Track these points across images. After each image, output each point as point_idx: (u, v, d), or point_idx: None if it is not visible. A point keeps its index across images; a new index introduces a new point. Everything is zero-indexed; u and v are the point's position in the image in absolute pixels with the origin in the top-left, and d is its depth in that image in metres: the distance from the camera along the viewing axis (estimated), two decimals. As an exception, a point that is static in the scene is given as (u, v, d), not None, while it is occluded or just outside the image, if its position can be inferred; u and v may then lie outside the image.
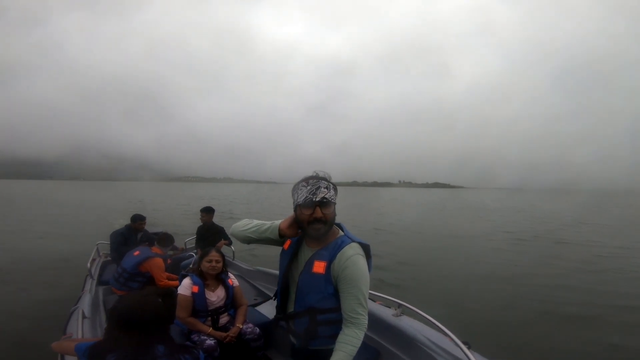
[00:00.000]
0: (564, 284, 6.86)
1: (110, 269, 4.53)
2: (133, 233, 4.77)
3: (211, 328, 2.53)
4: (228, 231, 3.67)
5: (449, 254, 10.27)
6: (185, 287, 2.56)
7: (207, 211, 5.12)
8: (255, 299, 3.53)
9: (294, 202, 1.54)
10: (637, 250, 10.69)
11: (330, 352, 1.43)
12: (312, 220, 1.48)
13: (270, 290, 3.78)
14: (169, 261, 4.32)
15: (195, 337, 2.47)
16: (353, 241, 1.54)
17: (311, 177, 1.52)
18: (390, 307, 2.50)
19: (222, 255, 2.73)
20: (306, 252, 1.59)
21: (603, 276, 7.59)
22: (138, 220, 4.80)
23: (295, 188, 1.54)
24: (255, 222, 1.67)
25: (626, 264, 8.73)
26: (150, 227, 5.24)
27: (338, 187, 1.58)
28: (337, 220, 1.59)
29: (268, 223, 1.64)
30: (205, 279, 2.62)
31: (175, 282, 3.18)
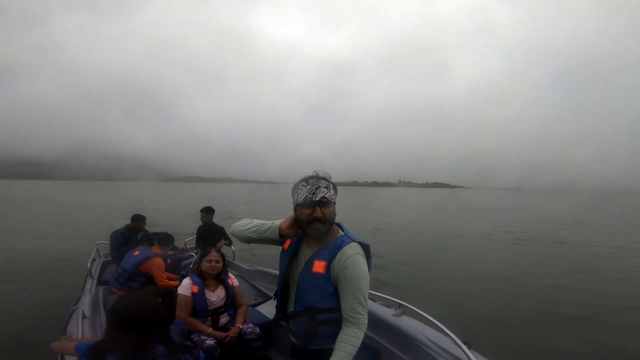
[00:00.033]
0: (563, 284, 6.86)
1: (110, 269, 4.53)
2: (133, 233, 4.78)
3: (211, 328, 2.53)
4: (228, 231, 3.67)
5: (448, 254, 10.27)
6: (185, 287, 2.56)
7: (207, 211, 5.12)
8: (255, 299, 3.53)
9: (294, 202, 1.55)
10: (636, 250, 10.68)
11: (330, 352, 1.43)
12: (312, 220, 1.48)
13: (271, 290, 3.78)
14: (169, 261, 4.32)
15: (195, 337, 2.47)
16: (353, 241, 1.54)
17: (311, 177, 1.52)
18: (390, 307, 2.50)
19: (222, 255, 2.73)
20: (306, 252, 1.59)
21: (602, 276, 7.59)
22: (138, 220, 4.80)
23: (295, 188, 1.54)
24: (256, 221, 1.67)
25: (625, 264, 8.73)
26: (150, 227, 5.25)
27: (338, 187, 1.58)
28: (337, 220, 1.60)
29: (268, 223, 1.64)
30: (205, 279, 2.63)
31: (175, 282, 3.18)
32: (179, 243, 5.38)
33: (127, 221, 4.88)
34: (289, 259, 1.63)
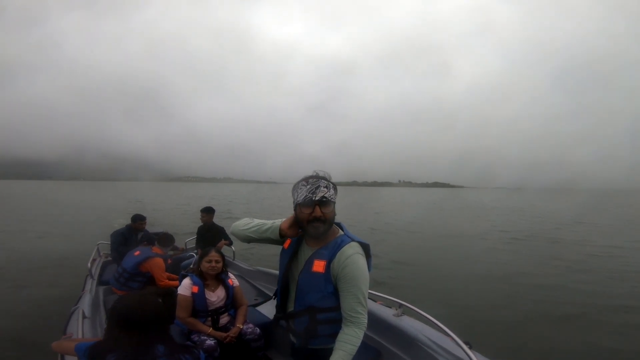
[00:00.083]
0: (558, 284, 6.86)
1: (110, 269, 4.52)
2: (133, 233, 4.78)
3: (211, 328, 2.53)
4: (228, 231, 3.67)
5: (445, 254, 10.29)
6: (185, 287, 2.55)
7: (208, 211, 5.12)
8: (255, 299, 3.53)
9: (294, 201, 1.55)
10: (632, 250, 10.67)
11: (330, 352, 1.43)
12: (312, 219, 1.48)
13: (271, 290, 3.78)
14: (169, 261, 4.32)
15: (195, 337, 2.47)
16: (353, 240, 1.54)
17: (311, 177, 1.52)
18: (391, 307, 2.50)
19: (222, 256, 2.72)
20: (306, 251, 1.59)
21: (597, 276, 7.58)
22: (138, 220, 4.80)
23: (295, 187, 1.54)
24: (256, 221, 1.67)
25: (621, 264, 8.73)
26: (151, 227, 5.25)
27: (338, 187, 1.59)
28: (336, 219, 1.60)
29: (269, 223, 1.64)
30: (205, 279, 2.62)
31: (176, 282, 3.18)
32: (179, 243, 5.38)
33: (127, 221, 4.88)
34: (289, 258, 1.63)
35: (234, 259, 4.94)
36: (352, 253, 1.49)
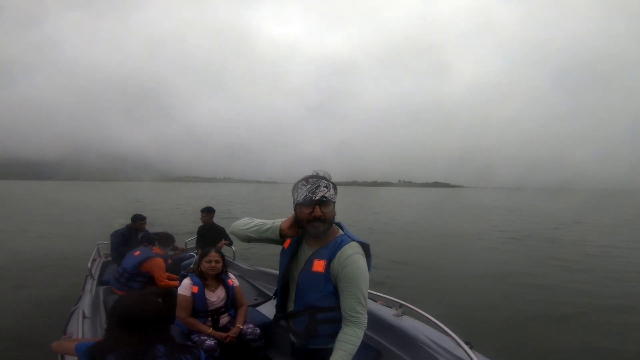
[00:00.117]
0: (560, 284, 6.85)
1: (110, 269, 4.52)
2: (133, 233, 4.78)
3: (211, 328, 2.53)
4: (228, 230, 3.67)
5: (444, 253, 10.29)
6: (185, 287, 2.55)
7: (208, 211, 5.12)
8: (255, 299, 3.52)
9: (294, 201, 1.55)
10: (629, 250, 10.66)
11: (330, 351, 1.43)
12: (312, 219, 1.48)
13: (271, 290, 3.78)
14: (169, 261, 4.32)
15: (195, 338, 2.47)
16: (353, 240, 1.55)
17: (311, 176, 1.52)
18: (391, 307, 2.50)
19: (222, 256, 2.72)
20: (306, 251, 1.59)
21: (594, 276, 7.58)
22: (138, 220, 4.81)
23: (296, 187, 1.54)
24: (256, 221, 1.67)
25: (618, 264, 8.73)
26: (151, 227, 5.25)
27: (338, 187, 1.59)
28: (335, 219, 1.60)
29: (269, 223, 1.64)
30: (205, 279, 2.62)
31: (176, 283, 3.18)
32: (179, 243, 5.38)
33: (127, 221, 4.88)
34: (289, 258, 1.63)
35: (234, 259, 4.94)
36: (352, 253, 1.49)
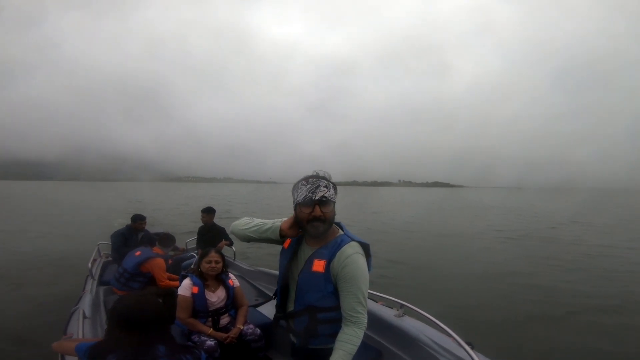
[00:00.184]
0: (558, 284, 6.85)
1: (111, 269, 4.52)
2: (134, 233, 4.78)
3: (212, 329, 2.52)
4: (228, 230, 3.67)
5: (443, 253, 10.30)
6: (185, 287, 2.55)
7: (208, 212, 5.11)
8: (256, 300, 3.52)
9: (294, 201, 1.55)
10: (631, 250, 10.66)
11: (330, 351, 1.43)
12: (312, 219, 1.48)
13: (271, 290, 3.77)
14: (170, 261, 4.32)
15: (195, 338, 2.46)
16: (353, 240, 1.54)
17: (311, 176, 1.52)
18: (392, 308, 2.49)
19: (222, 256, 2.72)
20: (306, 251, 1.59)
21: (590, 275, 7.57)
22: (138, 220, 4.81)
23: (296, 187, 1.54)
24: (257, 221, 1.67)
25: (614, 264, 8.73)
26: (151, 228, 5.25)
27: (338, 187, 1.59)
28: (335, 219, 1.60)
29: (269, 223, 1.64)
30: (205, 279, 2.62)
31: (176, 283, 3.18)
32: (179, 243, 5.38)
33: (127, 221, 4.88)
34: (289, 258, 1.63)
35: (234, 259, 4.94)
36: (352, 253, 1.49)
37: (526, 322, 5.00)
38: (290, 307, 1.63)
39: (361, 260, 1.50)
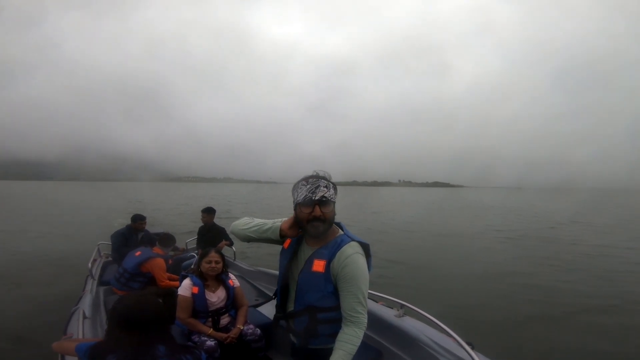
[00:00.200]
0: (559, 285, 6.83)
1: (111, 269, 4.52)
2: (134, 233, 4.78)
3: (212, 329, 2.52)
4: (228, 230, 3.67)
5: (441, 253, 10.30)
6: (185, 288, 2.55)
7: (208, 212, 5.12)
8: (256, 300, 3.52)
9: (294, 201, 1.55)
10: (629, 249, 10.65)
11: (330, 351, 1.43)
12: (312, 219, 1.48)
13: (272, 290, 3.77)
14: (170, 261, 4.32)
15: (195, 338, 2.46)
16: (353, 240, 1.55)
17: (311, 176, 1.52)
18: (392, 308, 2.49)
19: (222, 256, 2.72)
20: (306, 251, 1.59)
21: (595, 276, 7.55)
22: (138, 220, 4.81)
23: (296, 187, 1.55)
24: (257, 221, 1.67)
25: (612, 264, 8.73)
26: (151, 228, 5.25)
27: (338, 187, 1.59)
28: (335, 219, 1.60)
29: (269, 223, 1.64)
30: (205, 279, 2.61)
31: (176, 283, 3.18)
32: (179, 243, 5.38)
33: (127, 221, 4.88)
34: (289, 258, 1.63)
35: (234, 260, 4.93)
36: (352, 253, 1.49)
37: (526, 322, 5.00)
38: (290, 307, 1.63)
39: (361, 260, 1.50)
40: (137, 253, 3.62)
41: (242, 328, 2.55)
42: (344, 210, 24.08)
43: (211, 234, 5.01)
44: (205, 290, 2.58)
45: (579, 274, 7.67)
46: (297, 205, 1.53)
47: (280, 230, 1.58)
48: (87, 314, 2.89)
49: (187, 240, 5.73)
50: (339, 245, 1.52)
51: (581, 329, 4.77)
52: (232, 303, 2.70)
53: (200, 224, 5.19)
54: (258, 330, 2.60)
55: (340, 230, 1.62)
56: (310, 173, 1.54)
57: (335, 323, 1.52)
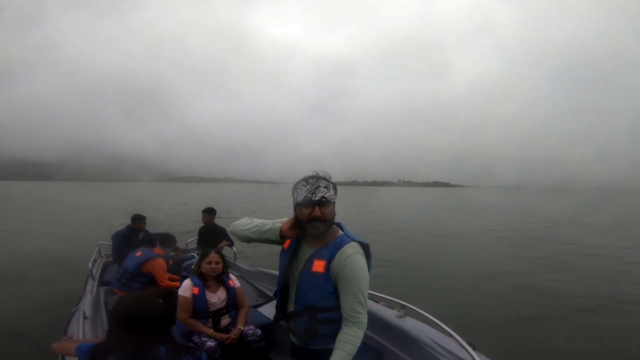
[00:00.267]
0: (560, 285, 6.83)
1: (111, 270, 4.52)
2: (134, 233, 4.79)
3: (212, 330, 2.52)
4: (228, 230, 3.66)
5: (440, 253, 10.28)
6: (186, 288, 2.55)
7: (209, 212, 5.11)
8: (256, 300, 3.52)
9: (294, 201, 1.55)
10: (631, 250, 10.65)
11: (330, 352, 1.43)
12: (311, 219, 1.48)
13: (272, 291, 3.76)
14: (170, 262, 4.32)
15: (196, 339, 2.46)
16: (353, 240, 1.55)
17: (311, 177, 1.52)
18: (393, 309, 2.49)
19: (222, 257, 2.71)
20: (306, 251, 1.60)
21: (594, 276, 7.55)
22: (138, 220, 4.82)
23: (295, 187, 1.55)
24: (256, 221, 1.67)
25: (610, 263, 8.72)
26: (151, 228, 5.25)
27: (338, 187, 1.59)
28: (335, 219, 1.60)
29: (269, 224, 1.64)
30: (205, 280, 2.61)
31: (177, 283, 3.18)
32: (180, 243, 5.38)
33: (127, 221, 4.89)
34: (289, 258, 1.63)
35: (235, 260, 4.93)
36: (352, 253, 1.49)
37: (527, 322, 4.99)
38: (291, 307, 1.63)
39: (361, 260, 1.50)
40: (138, 253, 3.62)
41: (242, 329, 2.55)
42: (344, 210, 24.07)
43: (212, 234, 5.00)
44: (206, 291, 2.58)
45: (580, 274, 7.66)
46: (297, 206, 1.53)
47: (280, 231, 1.58)
48: (88, 314, 2.88)
49: (188, 240, 5.73)
50: (339, 245, 1.52)
51: (581, 329, 4.77)
52: (233, 304, 2.70)
53: (201, 224, 5.19)
54: (259, 331, 2.60)
55: (340, 231, 1.62)
56: (310, 173, 1.54)
57: (335, 323, 1.52)
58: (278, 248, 1.71)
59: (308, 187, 1.49)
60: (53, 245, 9.78)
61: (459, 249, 10.89)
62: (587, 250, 10.54)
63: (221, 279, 2.69)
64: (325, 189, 1.48)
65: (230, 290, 2.68)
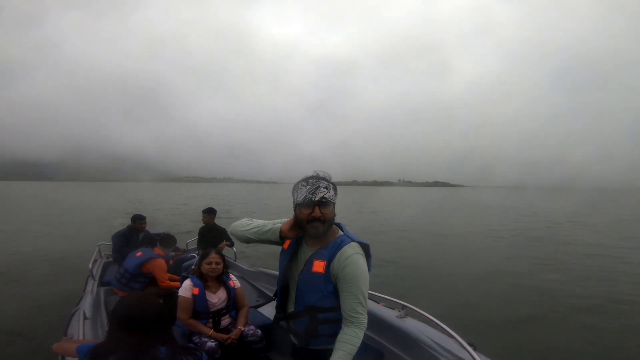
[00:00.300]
0: (560, 285, 6.83)
1: (111, 270, 4.52)
2: (134, 234, 4.79)
3: (212, 330, 2.52)
4: (228, 230, 3.66)
5: (440, 253, 10.28)
6: (186, 288, 2.55)
7: (209, 212, 5.12)
8: (257, 301, 3.52)
9: (294, 202, 1.55)
10: (630, 250, 10.65)
11: (330, 352, 1.43)
12: (311, 220, 1.48)
13: (272, 291, 3.76)
14: (170, 262, 4.32)
15: (196, 339, 2.46)
16: (353, 240, 1.55)
17: (311, 177, 1.52)
18: (393, 309, 2.49)
19: (223, 257, 2.71)
20: (306, 252, 1.59)
21: (593, 276, 7.55)
22: (138, 220, 4.82)
23: (295, 188, 1.55)
24: (256, 222, 1.67)
25: (609, 263, 8.72)
26: (151, 228, 5.25)
27: (338, 187, 1.59)
28: (335, 219, 1.59)
29: (269, 224, 1.63)
30: (205, 280, 2.61)
31: (177, 284, 3.18)
32: (180, 244, 5.39)
33: (127, 221, 4.89)
34: (289, 258, 1.63)
35: (235, 260, 4.93)
36: (352, 253, 1.49)
37: (527, 322, 5.00)
38: (291, 307, 1.63)
39: (361, 260, 1.50)
40: (138, 253, 3.62)
41: (242, 329, 2.55)
42: (344, 210, 24.07)
43: (212, 234, 5.01)
44: (206, 291, 2.58)
45: (580, 274, 7.66)
46: (297, 206, 1.53)
47: (280, 231, 1.58)
48: (88, 314, 2.88)
49: (188, 240, 5.72)
50: (339, 245, 1.52)
51: (580, 329, 4.77)
52: (233, 304, 2.70)
53: (201, 224, 5.19)
54: (259, 331, 2.60)
55: (340, 231, 1.62)
56: (310, 173, 1.54)
57: (335, 323, 1.52)
58: (278, 248, 1.70)
59: (308, 187, 1.49)
60: (53, 246, 9.79)
61: (459, 249, 10.89)
62: (586, 250, 10.55)
63: (221, 280, 2.68)
64: (325, 189, 1.48)
65: (230, 291, 2.68)
